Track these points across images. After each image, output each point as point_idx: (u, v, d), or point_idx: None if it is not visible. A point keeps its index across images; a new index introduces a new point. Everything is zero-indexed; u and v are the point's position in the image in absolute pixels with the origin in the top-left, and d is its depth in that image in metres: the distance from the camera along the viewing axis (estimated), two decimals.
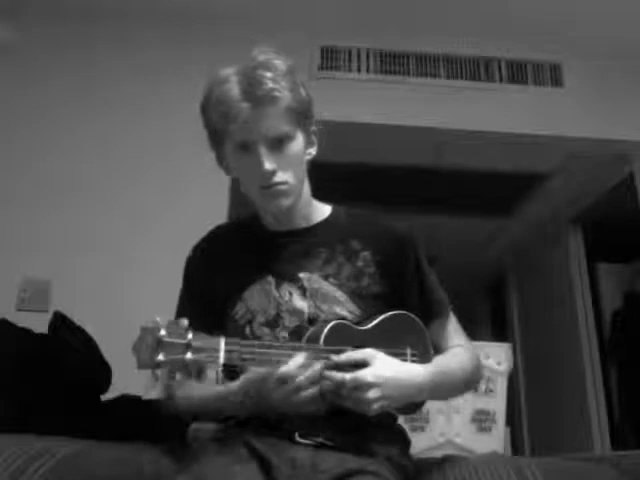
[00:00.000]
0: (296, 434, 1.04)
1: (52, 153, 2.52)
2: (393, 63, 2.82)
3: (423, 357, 1.15)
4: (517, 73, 2.87)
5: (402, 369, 1.06)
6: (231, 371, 1.16)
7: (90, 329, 1.84)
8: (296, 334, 1.10)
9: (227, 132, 1.10)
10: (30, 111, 2.58)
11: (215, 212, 2.29)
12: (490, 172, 3.50)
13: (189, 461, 1.04)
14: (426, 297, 1.21)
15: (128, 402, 1.74)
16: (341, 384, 0.99)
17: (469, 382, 1.24)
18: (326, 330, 1.05)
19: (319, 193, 1.27)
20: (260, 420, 1.05)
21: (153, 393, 1.26)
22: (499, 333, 4.99)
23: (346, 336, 1.06)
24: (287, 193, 1.12)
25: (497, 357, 2.10)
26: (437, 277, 1.25)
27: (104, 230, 2.43)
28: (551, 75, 2.88)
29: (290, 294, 1.14)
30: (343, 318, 1.11)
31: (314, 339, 1.05)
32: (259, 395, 1.01)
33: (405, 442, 1.17)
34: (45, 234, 2.40)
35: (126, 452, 1.15)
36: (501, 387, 2.09)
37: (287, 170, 1.11)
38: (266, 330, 1.13)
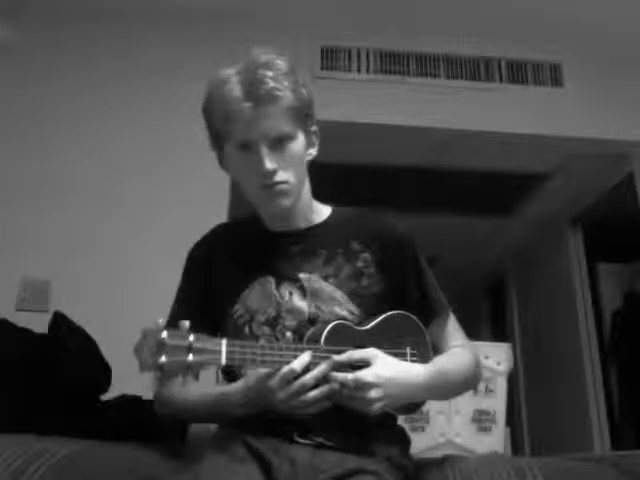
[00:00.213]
0: (296, 434, 1.04)
1: (52, 153, 2.52)
2: (393, 63, 2.82)
3: (423, 357, 1.15)
4: (517, 73, 2.87)
5: (403, 369, 1.06)
6: (231, 372, 1.16)
7: (90, 329, 1.83)
8: (296, 335, 1.10)
9: (228, 132, 1.10)
10: (30, 111, 2.58)
11: (215, 212, 2.28)
12: (490, 172, 3.50)
13: (189, 461, 1.04)
14: (425, 297, 1.21)
15: (128, 402, 1.74)
16: (343, 384, 0.99)
17: (469, 382, 1.24)
18: (326, 330, 1.05)
19: (319, 193, 1.27)
20: (260, 420, 1.05)
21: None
22: (499, 333, 4.98)
23: (346, 336, 1.06)
24: (287, 193, 1.12)
25: (497, 357, 2.10)
26: (435, 277, 1.25)
27: (104, 230, 2.42)
28: (551, 75, 2.88)
29: (290, 294, 1.14)
30: (343, 318, 1.11)
31: (314, 339, 1.05)
32: (260, 395, 1.01)
33: (405, 442, 1.17)
34: (45, 234, 2.40)
35: (126, 452, 1.15)
36: (501, 387, 2.09)
37: (288, 170, 1.11)
38: (266, 330, 1.13)
